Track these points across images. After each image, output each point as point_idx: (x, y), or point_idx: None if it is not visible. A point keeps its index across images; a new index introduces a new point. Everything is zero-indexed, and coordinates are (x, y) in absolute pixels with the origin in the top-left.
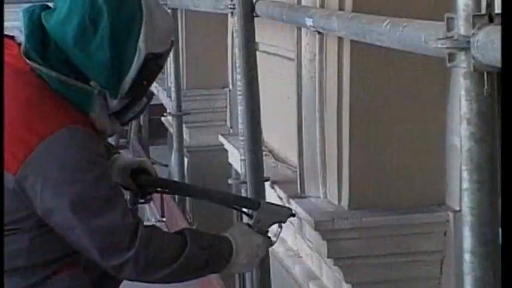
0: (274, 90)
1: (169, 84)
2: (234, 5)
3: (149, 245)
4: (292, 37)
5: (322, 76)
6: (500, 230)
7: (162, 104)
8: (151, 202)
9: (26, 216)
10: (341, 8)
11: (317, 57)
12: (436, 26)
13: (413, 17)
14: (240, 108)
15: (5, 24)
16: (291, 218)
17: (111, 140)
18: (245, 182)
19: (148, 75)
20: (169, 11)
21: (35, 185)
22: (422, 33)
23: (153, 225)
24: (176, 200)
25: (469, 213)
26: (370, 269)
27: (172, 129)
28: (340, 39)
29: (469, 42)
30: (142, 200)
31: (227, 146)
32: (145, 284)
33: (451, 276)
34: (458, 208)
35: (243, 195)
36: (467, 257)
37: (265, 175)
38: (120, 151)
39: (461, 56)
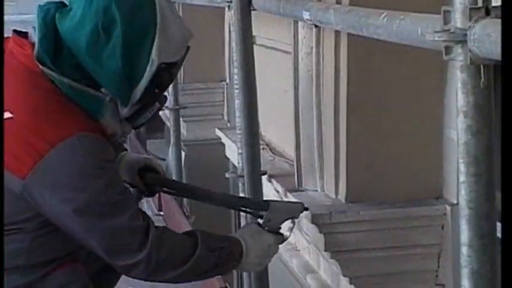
0: (271, 84)
1: None
2: None
3: (161, 246)
4: (289, 30)
5: (319, 69)
6: (497, 223)
7: None
8: (133, 195)
9: (29, 218)
10: (338, 2)
11: (314, 50)
12: (433, 19)
13: (410, 10)
14: (237, 102)
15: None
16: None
17: None
18: (242, 176)
19: (161, 83)
20: None
21: (44, 191)
22: (419, 26)
23: (163, 227)
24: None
25: (466, 207)
26: (368, 262)
27: (169, 123)
28: (337, 33)
29: (465, 35)
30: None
31: (224, 139)
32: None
33: (449, 269)
34: (455, 201)
35: (240, 188)
36: (464, 250)
37: (262, 169)
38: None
39: (458, 49)
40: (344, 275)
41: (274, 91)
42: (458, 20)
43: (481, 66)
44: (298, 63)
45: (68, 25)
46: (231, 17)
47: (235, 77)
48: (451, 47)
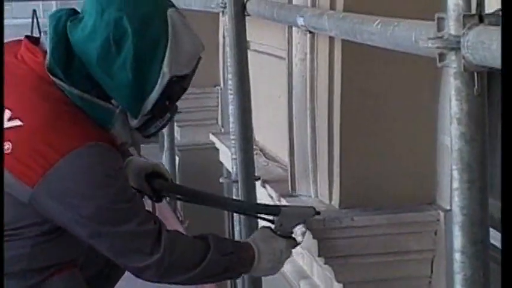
0: (265, 89)
1: None
2: (225, 3)
3: (173, 249)
4: (283, 36)
5: (313, 75)
6: (490, 229)
7: None
8: (142, 200)
9: (31, 224)
10: (332, 8)
11: (308, 56)
12: (427, 25)
13: (404, 17)
14: (231, 107)
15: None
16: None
17: None
18: (236, 181)
19: (172, 95)
20: None
21: (53, 199)
22: (413, 32)
23: (175, 230)
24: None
25: (460, 213)
26: (361, 267)
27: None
28: (331, 39)
29: (459, 42)
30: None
31: (218, 144)
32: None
33: (442, 275)
34: (448, 207)
35: (234, 193)
36: (457, 256)
37: (256, 174)
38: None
39: (452, 56)
40: (338, 281)
41: (268, 96)
42: (452, 27)
43: (475, 73)
44: (292, 69)
45: (79, 35)
46: (225, 22)
47: (229, 82)
48: (444, 53)
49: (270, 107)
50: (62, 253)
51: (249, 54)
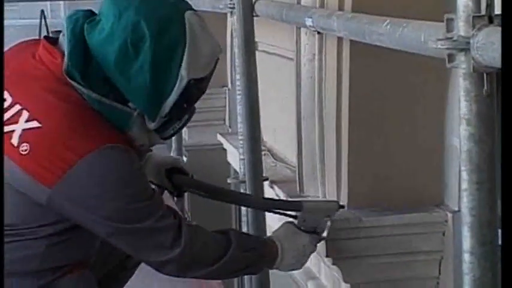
0: (273, 90)
1: None
2: (233, 4)
3: (194, 244)
4: (292, 37)
5: (321, 76)
6: (499, 230)
7: None
8: (161, 196)
9: (46, 224)
10: (341, 8)
11: (316, 57)
12: (436, 26)
13: (413, 18)
14: (239, 108)
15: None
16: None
17: None
18: (244, 182)
19: (190, 98)
20: None
21: (71, 200)
22: (422, 33)
23: (196, 225)
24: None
25: (469, 214)
26: (369, 268)
27: None
28: (339, 39)
29: (468, 43)
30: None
31: (226, 145)
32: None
33: (450, 276)
34: (457, 208)
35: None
36: (466, 257)
37: (264, 174)
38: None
39: (461, 57)
40: (345, 281)
41: (276, 97)
42: (461, 28)
43: (484, 74)
44: (301, 70)
45: (97, 38)
46: (233, 22)
47: (237, 82)
48: (454, 54)
49: (278, 108)
50: (74, 254)
51: (257, 54)
